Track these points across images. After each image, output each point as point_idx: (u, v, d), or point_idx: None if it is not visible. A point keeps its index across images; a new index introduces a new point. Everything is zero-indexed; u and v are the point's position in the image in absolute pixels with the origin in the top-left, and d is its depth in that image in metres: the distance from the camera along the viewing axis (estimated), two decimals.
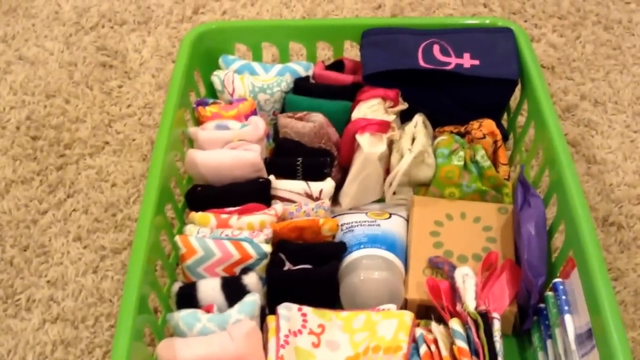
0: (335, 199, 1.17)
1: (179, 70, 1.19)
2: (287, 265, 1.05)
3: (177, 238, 1.04)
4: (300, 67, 1.27)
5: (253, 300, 0.97)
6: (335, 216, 1.16)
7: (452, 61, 1.20)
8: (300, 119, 1.20)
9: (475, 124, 1.18)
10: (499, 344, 0.94)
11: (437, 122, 1.23)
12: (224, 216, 1.07)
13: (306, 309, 1.00)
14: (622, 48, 1.53)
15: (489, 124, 1.18)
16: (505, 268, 1.05)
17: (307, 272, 1.04)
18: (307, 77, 1.27)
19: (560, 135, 1.07)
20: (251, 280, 1.00)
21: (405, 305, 1.05)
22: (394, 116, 1.19)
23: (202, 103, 1.21)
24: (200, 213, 1.08)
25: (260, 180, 1.11)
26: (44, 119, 1.41)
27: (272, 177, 1.12)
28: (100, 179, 1.31)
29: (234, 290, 0.99)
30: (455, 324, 0.95)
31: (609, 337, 0.83)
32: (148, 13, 1.64)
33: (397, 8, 1.63)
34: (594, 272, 0.89)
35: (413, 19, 1.56)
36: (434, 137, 1.21)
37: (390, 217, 1.14)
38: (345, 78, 1.26)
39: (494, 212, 1.14)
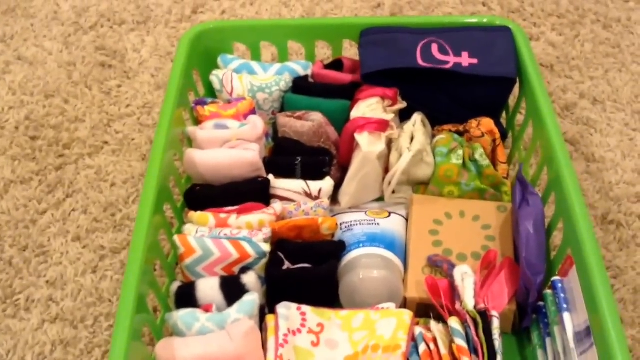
0: (334, 198, 1.17)
1: (178, 70, 1.19)
2: (286, 265, 1.05)
3: (176, 237, 1.04)
4: (299, 67, 1.27)
5: (252, 299, 0.97)
6: (334, 215, 1.16)
7: (451, 60, 1.20)
8: (299, 118, 1.20)
9: (474, 123, 1.18)
10: (498, 342, 0.94)
11: (435, 120, 1.23)
12: (222, 215, 1.07)
13: (305, 308, 1.00)
14: (621, 46, 1.53)
15: (487, 123, 1.18)
16: (504, 266, 1.05)
17: (306, 271, 1.04)
18: (306, 77, 1.27)
19: (558, 133, 1.07)
20: (250, 279, 1.00)
21: (404, 304, 1.05)
22: (393, 115, 1.19)
23: (201, 102, 1.21)
24: (199, 212, 1.08)
25: (259, 179, 1.11)
26: (43, 119, 1.41)
27: (271, 177, 1.12)
28: (100, 179, 1.31)
29: (232, 290, 0.99)
30: (454, 322, 0.95)
31: (607, 335, 0.83)
32: (147, 13, 1.64)
33: (396, 7, 1.63)
34: (592, 270, 0.89)
35: (411, 18, 1.56)
36: (433, 136, 1.21)
37: (389, 215, 1.14)
38: (344, 77, 1.26)
39: (493, 211, 1.14)
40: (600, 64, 1.50)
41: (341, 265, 1.07)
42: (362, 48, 1.24)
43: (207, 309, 0.98)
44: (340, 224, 1.13)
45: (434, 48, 1.21)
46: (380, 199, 1.19)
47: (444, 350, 0.93)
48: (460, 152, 1.15)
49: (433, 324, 0.98)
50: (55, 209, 1.26)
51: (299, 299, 1.01)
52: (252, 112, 1.20)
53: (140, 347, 0.93)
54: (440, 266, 1.06)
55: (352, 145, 1.17)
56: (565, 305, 0.95)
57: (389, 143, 1.18)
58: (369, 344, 0.96)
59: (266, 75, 1.26)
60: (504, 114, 1.28)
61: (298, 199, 1.12)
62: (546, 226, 1.07)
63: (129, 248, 0.96)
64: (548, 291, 1.00)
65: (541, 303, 1.01)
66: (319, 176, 1.14)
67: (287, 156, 1.16)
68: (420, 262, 1.08)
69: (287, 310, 0.98)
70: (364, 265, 1.05)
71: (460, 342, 0.93)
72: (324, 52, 1.44)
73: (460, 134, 1.19)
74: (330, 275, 1.05)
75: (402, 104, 1.21)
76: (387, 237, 1.10)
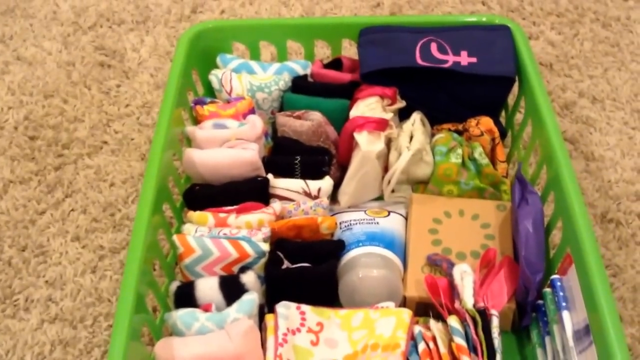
0: (334, 197, 1.17)
1: (176, 69, 1.19)
2: (286, 264, 1.05)
3: (175, 237, 1.04)
4: (298, 66, 1.27)
5: (251, 299, 0.97)
6: (334, 214, 1.16)
7: (450, 59, 1.20)
8: (299, 117, 1.20)
9: (473, 122, 1.18)
10: (497, 341, 0.94)
11: (435, 119, 1.23)
12: (222, 215, 1.07)
13: (304, 307, 1.00)
14: (620, 45, 1.53)
15: (486, 122, 1.18)
16: (503, 265, 1.05)
17: (306, 271, 1.04)
18: (305, 76, 1.27)
19: (557, 132, 1.07)
20: (249, 279, 1.00)
21: (404, 303, 1.05)
22: (392, 114, 1.19)
23: (200, 102, 1.21)
24: (198, 212, 1.08)
25: (259, 179, 1.11)
26: (42, 119, 1.41)
27: (270, 176, 1.12)
28: (99, 179, 1.31)
29: (232, 289, 0.99)
30: (453, 321, 0.95)
31: (606, 334, 0.83)
32: (146, 12, 1.64)
33: (395, 6, 1.63)
34: (590, 268, 0.89)
35: (410, 17, 1.56)
36: (432, 135, 1.21)
37: (388, 215, 1.14)
38: (343, 76, 1.26)
39: (492, 210, 1.14)
40: (600, 62, 1.50)
41: (341, 264, 1.07)
42: (361, 47, 1.24)
43: (206, 309, 0.98)
44: (340, 223, 1.13)
45: (433, 47, 1.21)
46: (380, 198, 1.19)
47: (443, 349, 0.93)
48: (460, 151, 1.15)
49: (432, 322, 0.98)
50: (55, 209, 1.26)
51: (299, 298, 1.01)
52: (251, 111, 1.20)
53: (140, 347, 0.93)
54: (440, 265, 1.06)
55: (352, 145, 1.17)
56: (564, 304, 0.94)
57: (388, 142, 1.18)
58: (369, 343, 0.96)
59: (265, 75, 1.25)
60: (503, 113, 1.28)
61: (297, 198, 1.12)
62: (545, 225, 1.07)
63: (128, 248, 0.96)
64: (547, 290, 1.00)
65: (540, 301, 1.01)
66: (318, 175, 1.14)
67: (287, 155, 1.16)
68: (419, 261, 1.08)
69: (286, 310, 0.98)
70: (363, 265, 1.05)
71: (460, 341, 0.93)
72: (323, 51, 1.44)
73: (460, 133, 1.19)
74: (330, 274, 1.05)
75: (401, 103, 1.21)
76: (386, 236, 1.10)
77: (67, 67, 1.52)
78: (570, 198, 0.98)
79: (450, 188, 1.15)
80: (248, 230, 1.05)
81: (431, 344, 0.94)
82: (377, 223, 1.12)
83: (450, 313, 0.98)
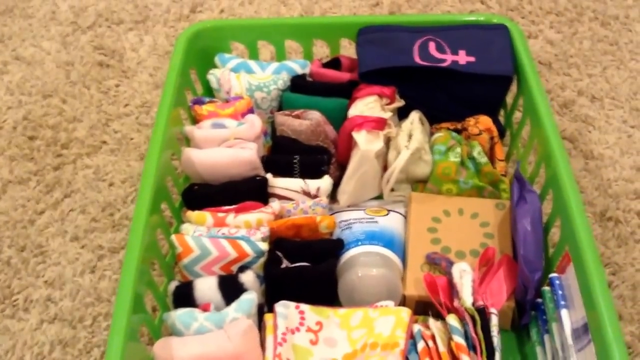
0: (333, 197, 1.17)
1: (175, 69, 1.19)
2: (285, 263, 1.05)
3: (174, 237, 1.03)
4: (297, 65, 1.27)
5: (250, 298, 0.97)
6: (333, 213, 1.16)
7: (448, 58, 1.20)
8: (298, 116, 1.20)
9: (471, 121, 1.18)
10: (496, 340, 0.94)
11: (433, 118, 1.23)
12: (220, 215, 1.07)
13: (304, 306, 1.00)
14: (619, 44, 1.53)
15: (485, 121, 1.18)
16: (502, 263, 1.05)
17: (305, 270, 1.04)
18: (304, 75, 1.27)
19: (555, 131, 1.07)
20: (248, 278, 1.00)
21: (403, 302, 1.05)
22: (391, 113, 1.19)
23: (199, 102, 1.21)
24: (197, 212, 1.08)
25: (257, 178, 1.11)
26: (41, 119, 1.41)
27: (269, 175, 1.12)
28: (98, 179, 1.31)
29: (231, 289, 0.99)
30: (452, 320, 0.95)
31: (604, 332, 0.83)
32: (145, 12, 1.64)
33: (394, 5, 1.63)
34: (588, 267, 0.89)
35: (409, 16, 1.56)
36: (431, 134, 1.21)
37: (388, 213, 1.14)
38: (342, 76, 1.26)
39: (491, 208, 1.13)
40: (599, 61, 1.50)
41: (340, 263, 1.07)
42: (360, 47, 1.24)
43: (205, 308, 0.98)
44: (339, 222, 1.13)
45: (432, 46, 1.21)
46: (379, 197, 1.19)
47: (442, 348, 0.93)
48: (459, 149, 1.15)
49: (431, 321, 0.98)
50: (54, 209, 1.26)
51: (298, 298, 1.01)
52: (250, 111, 1.20)
53: (138, 347, 0.93)
54: (439, 264, 1.06)
55: (350, 144, 1.17)
56: (563, 302, 0.94)
57: (387, 141, 1.18)
58: (368, 342, 0.96)
59: (264, 74, 1.25)
60: (502, 112, 1.28)
61: (296, 197, 1.12)
62: (544, 223, 1.07)
63: (126, 248, 0.96)
64: (546, 288, 1.00)
65: (539, 300, 1.01)
66: (318, 175, 1.14)
67: (286, 155, 1.16)
68: (418, 260, 1.08)
69: (285, 309, 0.98)
70: (362, 264, 1.05)
71: (459, 340, 0.93)
72: (322, 50, 1.44)
73: (458, 131, 1.19)
74: (329, 273, 1.05)
75: (400, 102, 1.21)
76: (385, 235, 1.10)
77: (66, 67, 1.52)
78: (568, 196, 0.98)
79: (449, 187, 1.15)
80: (247, 230, 1.05)
81: (430, 343, 0.94)
82: (377, 222, 1.12)
83: (449, 312, 0.98)
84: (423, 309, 1.04)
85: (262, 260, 1.03)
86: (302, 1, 1.65)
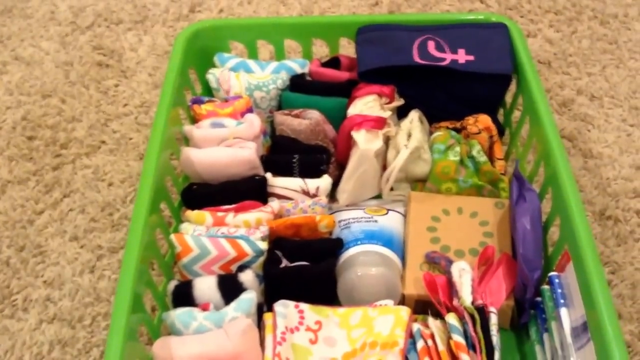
0: (332, 196, 1.17)
1: (174, 69, 1.19)
2: (284, 263, 1.04)
3: (173, 236, 1.03)
4: (296, 65, 1.27)
5: (249, 297, 0.97)
6: (332, 213, 1.16)
7: (447, 57, 1.20)
8: (297, 116, 1.20)
9: (470, 120, 1.18)
10: (495, 338, 0.94)
11: (433, 117, 1.23)
12: (220, 214, 1.07)
13: (303, 305, 1.00)
14: (618, 42, 1.53)
15: (484, 119, 1.18)
16: (501, 262, 1.05)
17: (304, 269, 1.04)
18: (303, 75, 1.27)
19: (555, 130, 1.07)
20: (247, 277, 1.00)
21: (402, 301, 1.05)
22: (390, 112, 1.19)
23: (198, 101, 1.21)
24: (196, 211, 1.08)
25: (257, 177, 1.11)
26: (40, 119, 1.41)
27: (268, 175, 1.12)
28: (97, 179, 1.31)
29: (230, 288, 0.99)
30: (452, 318, 0.95)
31: (603, 331, 0.83)
32: (144, 12, 1.64)
33: (394, 5, 1.63)
34: (588, 265, 0.89)
35: (408, 15, 1.56)
36: (430, 133, 1.21)
37: (387, 213, 1.14)
38: (341, 75, 1.26)
39: (490, 207, 1.13)
40: (598, 60, 1.50)
41: (339, 262, 1.07)
42: (359, 46, 1.24)
43: (204, 308, 0.98)
44: (339, 222, 1.13)
45: (431, 45, 1.21)
46: (378, 196, 1.19)
47: (441, 347, 0.93)
48: (458, 148, 1.15)
49: (431, 320, 0.97)
50: (53, 209, 1.26)
51: (297, 297, 1.01)
52: (249, 110, 1.20)
53: (137, 346, 0.92)
54: (438, 263, 1.05)
55: (350, 143, 1.17)
56: (562, 301, 0.94)
57: (387, 140, 1.18)
58: (367, 341, 0.96)
59: (263, 74, 1.25)
60: (501, 111, 1.28)
61: (296, 197, 1.12)
62: (543, 222, 1.07)
63: (125, 247, 0.96)
64: (545, 287, 1.00)
65: (539, 299, 1.01)
66: (317, 174, 1.14)
67: (285, 154, 1.16)
68: (418, 259, 1.08)
69: (284, 308, 0.98)
70: (361, 263, 1.05)
71: (458, 339, 0.93)
72: (321, 50, 1.44)
73: (458, 130, 1.19)
74: (328, 272, 1.05)
75: (399, 102, 1.21)
76: (385, 234, 1.10)
77: (65, 66, 1.52)
78: (567, 195, 0.98)
79: (448, 186, 1.15)
80: (246, 229, 1.05)
81: (430, 342, 0.94)
82: (376, 221, 1.12)
83: (448, 311, 0.98)
84: (422, 308, 1.04)
85: (261, 259, 1.03)
86: (301, 0, 1.65)
